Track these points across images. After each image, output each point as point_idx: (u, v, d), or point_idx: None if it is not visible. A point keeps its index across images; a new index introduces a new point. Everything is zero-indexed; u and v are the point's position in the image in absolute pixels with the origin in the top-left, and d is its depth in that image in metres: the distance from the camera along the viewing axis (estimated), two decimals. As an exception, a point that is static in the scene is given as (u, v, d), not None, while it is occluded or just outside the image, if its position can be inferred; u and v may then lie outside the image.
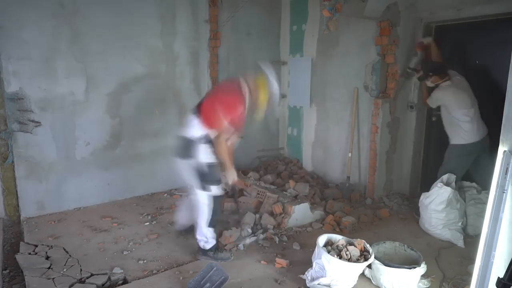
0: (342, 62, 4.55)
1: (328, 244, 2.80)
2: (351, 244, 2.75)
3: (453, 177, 3.46)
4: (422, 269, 2.59)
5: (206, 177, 2.88)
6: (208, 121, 2.84)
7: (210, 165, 2.89)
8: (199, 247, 3.08)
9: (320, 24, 4.76)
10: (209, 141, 2.87)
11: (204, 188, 2.89)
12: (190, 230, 3.26)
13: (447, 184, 3.40)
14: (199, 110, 2.91)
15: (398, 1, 3.95)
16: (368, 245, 2.72)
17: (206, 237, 3.02)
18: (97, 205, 4.27)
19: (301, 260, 3.02)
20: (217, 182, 2.95)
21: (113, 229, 3.68)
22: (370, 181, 4.32)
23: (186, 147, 2.87)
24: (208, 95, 3.14)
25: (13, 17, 3.60)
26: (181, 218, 3.38)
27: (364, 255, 2.67)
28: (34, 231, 3.62)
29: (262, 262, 3.01)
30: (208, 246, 3.04)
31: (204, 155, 2.86)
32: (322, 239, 2.77)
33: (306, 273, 2.71)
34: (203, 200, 2.93)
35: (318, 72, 4.94)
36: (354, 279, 2.62)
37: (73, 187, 4.13)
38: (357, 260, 2.61)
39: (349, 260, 2.59)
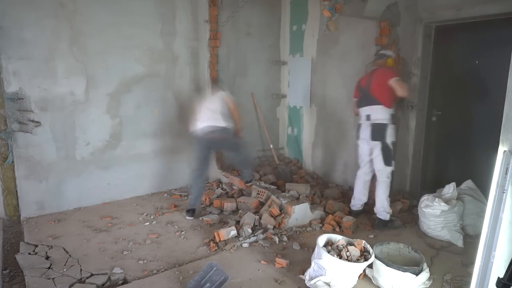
0: (342, 62, 4.55)
1: (328, 244, 2.80)
2: (351, 244, 2.75)
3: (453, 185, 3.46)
4: (422, 272, 2.58)
5: (391, 153, 3.54)
6: (388, 99, 3.48)
7: (393, 143, 3.57)
8: (380, 220, 3.60)
9: (320, 24, 4.76)
10: (393, 121, 3.54)
11: (389, 164, 3.53)
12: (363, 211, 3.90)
13: (448, 192, 3.41)
14: (373, 98, 3.52)
15: (398, 1, 3.95)
16: (368, 245, 2.72)
17: (386, 208, 3.56)
18: (97, 205, 4.27)
19: (301, 260, 3.02)
20: (394, 158, 3.64)
21: (113, 229, 3.68)
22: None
23: (379, 130, 3.50)
24: (368, 84, 3.61)
25: (13, 17, 3.60)
26: (359, 199, 3.86)
27: (364, 255, 2.67)
28: (34, 231, 3.62)
29: (262, 262, 3.01)
30: (388, 217, 3.57)
31: (391, 136, 3.52)
32: (322, 239, 2.77)
33: (305, 273, 2.71)
34: (386, 175, 3.55)
35: (318, 72, 4.94)
36: (354, 279, 2.62)
37: (73, 187, 4.14)
38: (357, 260, 2.61)
39: (349, 260, 2.59)
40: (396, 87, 3.40)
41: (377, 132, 3.52)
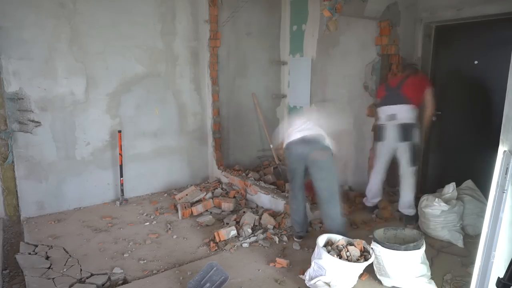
0: (342, 62, 4.54)
1: (328, 244, 2.80)
2: (351, 244, 2.75)
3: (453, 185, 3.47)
4: (420, 247, 2.59)
5: (417, 153, 3.58)
6: (418, 101, 3.52)
7: (419, 144, 3.63)
8: (407, 216, 3.65)
9: (320, 24, 4.75)
10: (418, 123, 3.54)
11: (414, 164, 3.56)
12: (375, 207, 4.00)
13: (448, 192, 3.41)
14: (403, 97, 3.50)
15: (398, 1, 3.95)
16: (368, 246, 2.72)
17: (412, 205, 3.62)
18: (97, 205, 4.27)
19: (301, 260, 3.01)
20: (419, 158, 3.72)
21: (113, 229, 3.68)
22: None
23: (407, 130, 3.48)
24: (400, 84, 3.58)
25: (13, 17, 3.60)
26: (374, 195, 3.95)
27: (364, 255, 2.67)
28: (34, 231, 3.62)
29: (262, 262, 3.01)
30: (414, 213, 3.62)
31: (417, 136, 3.54)
32: (322, 239, 2.77)
33: (305, 273, 2.71)
34: (411, 174, 3.58)
35: (318, 72, 4.93)
36: (354, 279, 2.62)
37: (73, 187, 4.14)
38: (357, 260, 2.61)
39: (349, 260, 2.59)
40: (428, 100, 3.51)
41: (406, 132, 3.49)
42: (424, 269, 2.62)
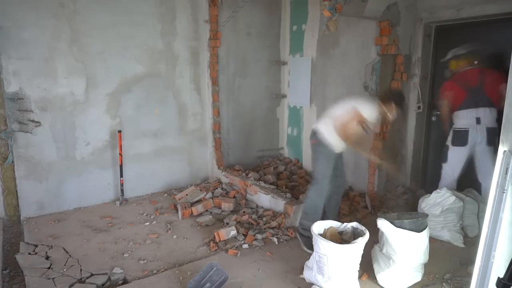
0: (342, 62, 4.54)
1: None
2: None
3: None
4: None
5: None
6: (500, 100, 3.24)
7: None
8: None
9: (320, 24, 4.76)
10: None
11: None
12: None
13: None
14: (486, 98, 3.34)
15: (398, 1, 3.95)
16: (360, 226, 2.71)
17: None
18: (97, 205, 4.28)
19: (301, 260, 3.01)
20: None
21: (113, 229, 3.68)
22: (370, 181, 4.31)
23: (495, 135, 3.31)
24: (481, 82, 3.43)
25: (13, 17, 3.60)
26: None
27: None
28: (34, 231, 3.62)
29: (262, 262, 3.01)
30: None
31: None
32: (316, 227, 2.75)
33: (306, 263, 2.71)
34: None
35: (318, 72, 4.94)
36: (355, 275, 2.61)
37: (73, 187, 4.14)
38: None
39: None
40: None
41: (494, 137, 3.28)
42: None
